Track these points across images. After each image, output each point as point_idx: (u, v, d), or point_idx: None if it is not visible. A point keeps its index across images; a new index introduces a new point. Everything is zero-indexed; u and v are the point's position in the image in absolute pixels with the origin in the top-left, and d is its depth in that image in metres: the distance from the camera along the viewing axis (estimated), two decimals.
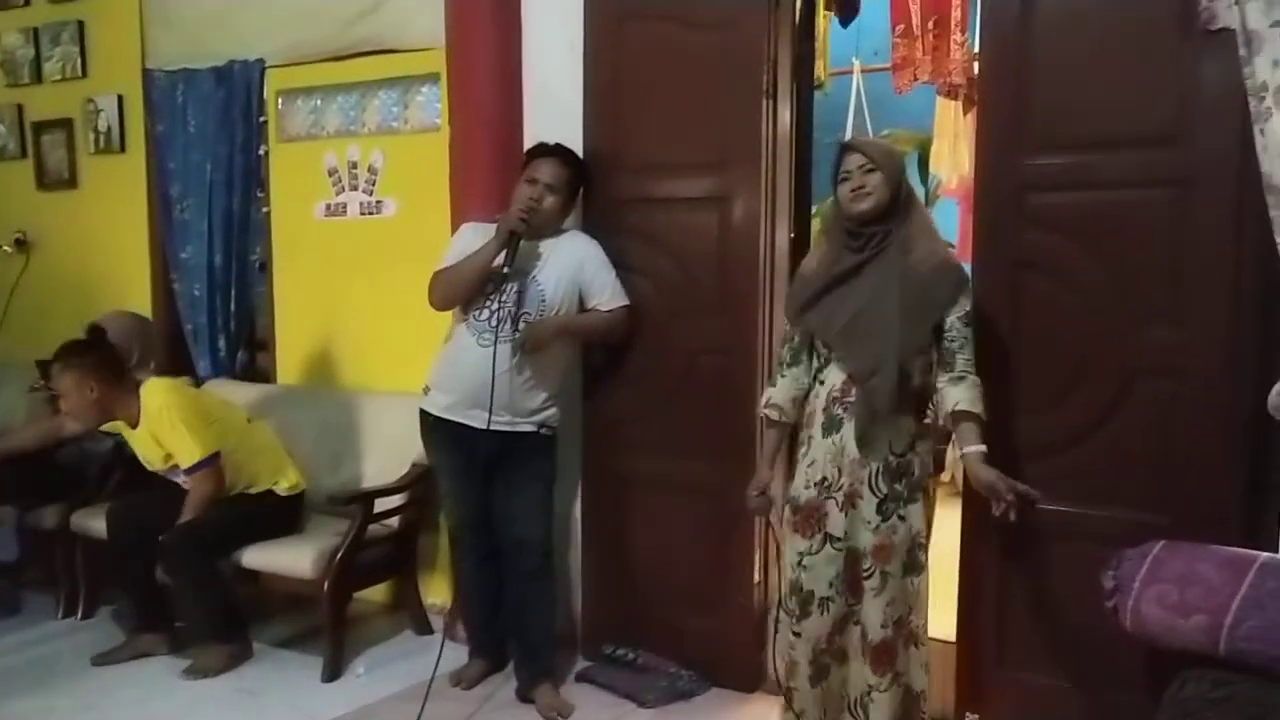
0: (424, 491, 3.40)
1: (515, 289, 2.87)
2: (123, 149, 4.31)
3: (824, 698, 2.51)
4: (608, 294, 2.97)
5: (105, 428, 3.34)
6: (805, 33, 3.30)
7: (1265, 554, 2.14)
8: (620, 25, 3.12)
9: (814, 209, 3.50)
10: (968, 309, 2.40)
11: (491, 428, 2.85)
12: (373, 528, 3.30)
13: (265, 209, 4.04)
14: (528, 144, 3.12)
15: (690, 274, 3.07)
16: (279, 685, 3.16)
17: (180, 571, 3.14)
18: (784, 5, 3.02)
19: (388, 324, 3.71)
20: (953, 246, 5.59)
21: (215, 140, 3.97)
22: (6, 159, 4.64)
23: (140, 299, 4.21)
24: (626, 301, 3.01)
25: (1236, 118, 2.23)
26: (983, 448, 2.33)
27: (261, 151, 3.99)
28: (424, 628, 3.56)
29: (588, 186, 3.11)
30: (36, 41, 4.47)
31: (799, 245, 3.17)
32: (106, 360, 3.20)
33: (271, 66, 3.89)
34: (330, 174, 3.85)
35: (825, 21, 4.39)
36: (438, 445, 3.03)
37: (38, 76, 4.50)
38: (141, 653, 3.34)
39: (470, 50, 3.30)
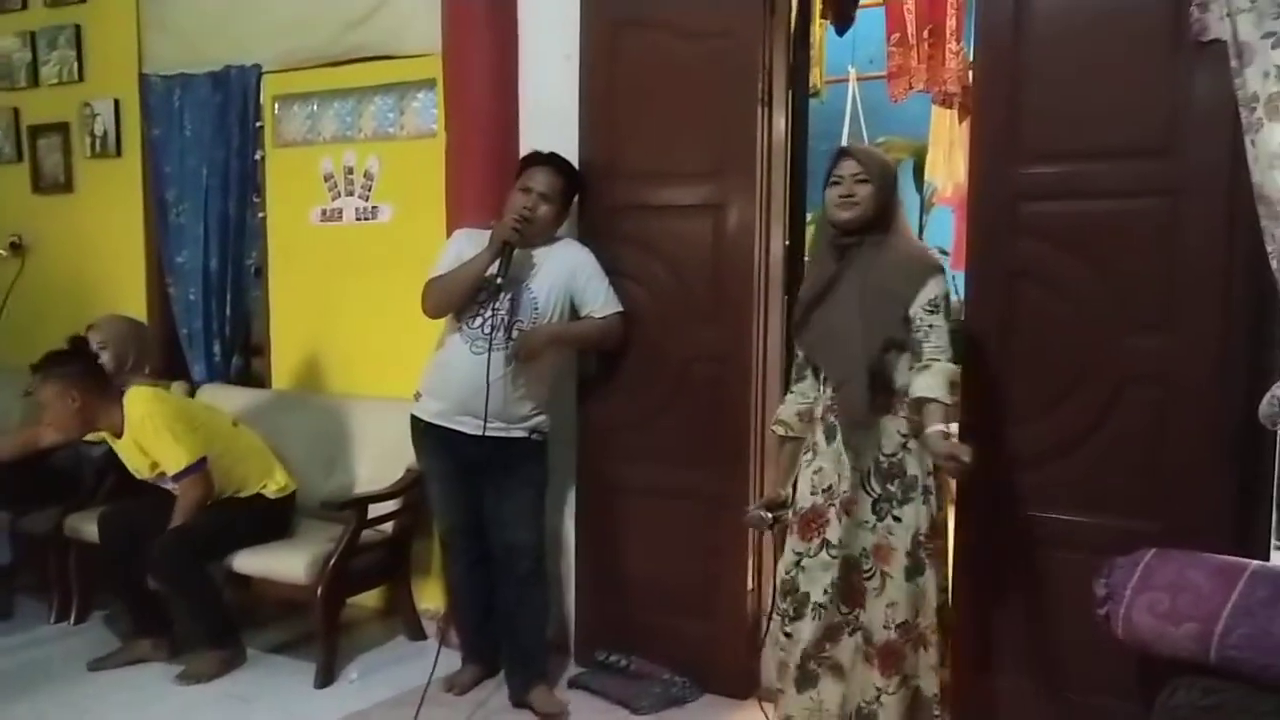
0: (417, 497, 3.40)
1: (509, 297, 2.87)
2: (119, 153, 4.31)
3: (814, 712, 2.47)
4: (600, 301, 2.98)
5: (90, 437, 3.33)
6: (801, 41, 3.31)
7: (1256, 562, 2.16)
8: (616, 33, 3.13)
9: (809, 217, 3.50)
10: (933, 297, 2.35)
11: (485, 434, 2.85)
12: (366, 533, 3.30)
13: (261, 214, 4.05)
14: (523, 151, 3.12)
15: (685, 282, 3.08)
16: (271, 691, 3.16)
17: (170, 578, 3.13)
18: (779, 14, 3.03)
19: (383, 330, 3.71)
20: (947, 254, 5.65)
21: (211, 145, 3.98)
22: (2, 163, 4.63)
23: (135, 303, 4.21)
24: (620, 309, 3.02)
25: (1228, 128, 2.24)
26: (942, 427, 2.26)
27: (257, 156, 3.99)
28: (417, 633, 3.56)
29: (582, 194, 3.12)
30: (33, 45, 4.47)
31: (794, 253, 3.19)
32: (88, 370, 3.20)
33: (268, 72, 3.90)
34: (326, 179, 3.86)
35: (821, 30, 4.41)
36: (429, 451, 3.03)
37: (34, 80, 4.50)
38: (137, 658, 3.33)
39: (466, 57, 3.31)
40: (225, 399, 3.83)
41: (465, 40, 3.32)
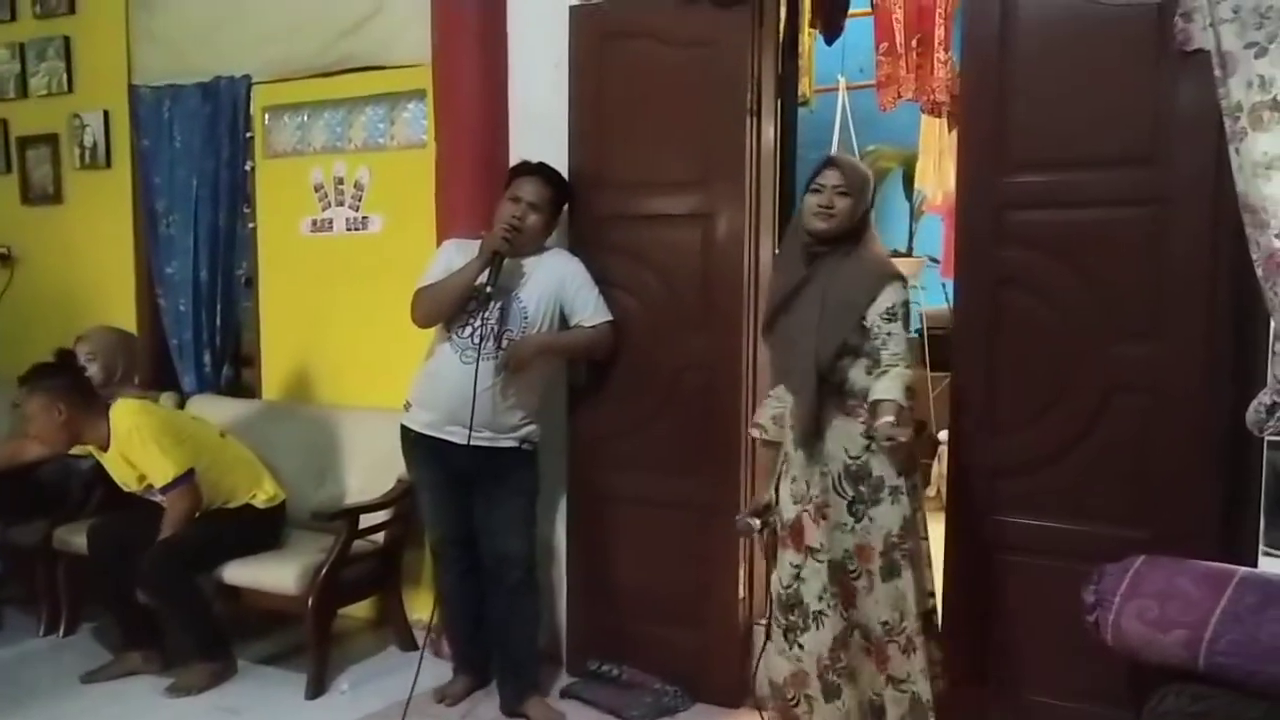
0: (408, 507, 3.39)
1: (498, 306, 2.87)
2: (108, 164, 4.30)
3: (845, 718, 2.46)
4: (590, 310, 2.98)
5: (76, 451, 3.32)
6: (789, 50, 3.34)
7: (1244, 568, 2.16)
8: (605, 43, 3.14)
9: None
10: (890, 304, 2.36)
11: (473, 444, 2.85)
12: (357, 544, 3.29)
13: (251, 225, 4.05)
14: (513, 161, 3.13)
15: (674, 290, 3.08)
16: (262, 703, 3.15)
17: (159, 590, 3.12)
18: (768, 23, 3.05)
19: (373, 340, 3.71)
20: (937, 262, 5.67)
21: (201, 156, 3.97)
22: None
23: (125, 314, 4.20)
24: (610, 318, 3.02)
25: (1212, 137, 2.26)
26: (890, 419, 2.26)
27: (247, 167, 4.00)
28: (408, 644, 3.55)
29: (571, 203, 3.12)
30: (22, 56, 4.46)
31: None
32: (75, 383, 3.19)
33: (258, 82, 3.90)
34: (316, 190, 3.86)
35: (810, 39, 4.42)
36: (419, 461, 3.03)
37: (23, 91, 4.49)
38: (129, 671, 3.31)
39: (456, 67, 3.32)
40: (215, 410, 3.82)
41: (455, 50, 3.32)
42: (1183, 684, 2.06)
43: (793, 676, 2.51)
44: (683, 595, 3.12)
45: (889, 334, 2.36)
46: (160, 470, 3.14)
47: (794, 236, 2.53)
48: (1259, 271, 2.10)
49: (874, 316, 2.37)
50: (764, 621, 2.77)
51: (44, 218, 4.50)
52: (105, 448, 3.20)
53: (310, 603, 3.14)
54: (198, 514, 3.21)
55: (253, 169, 4.00)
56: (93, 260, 4.36)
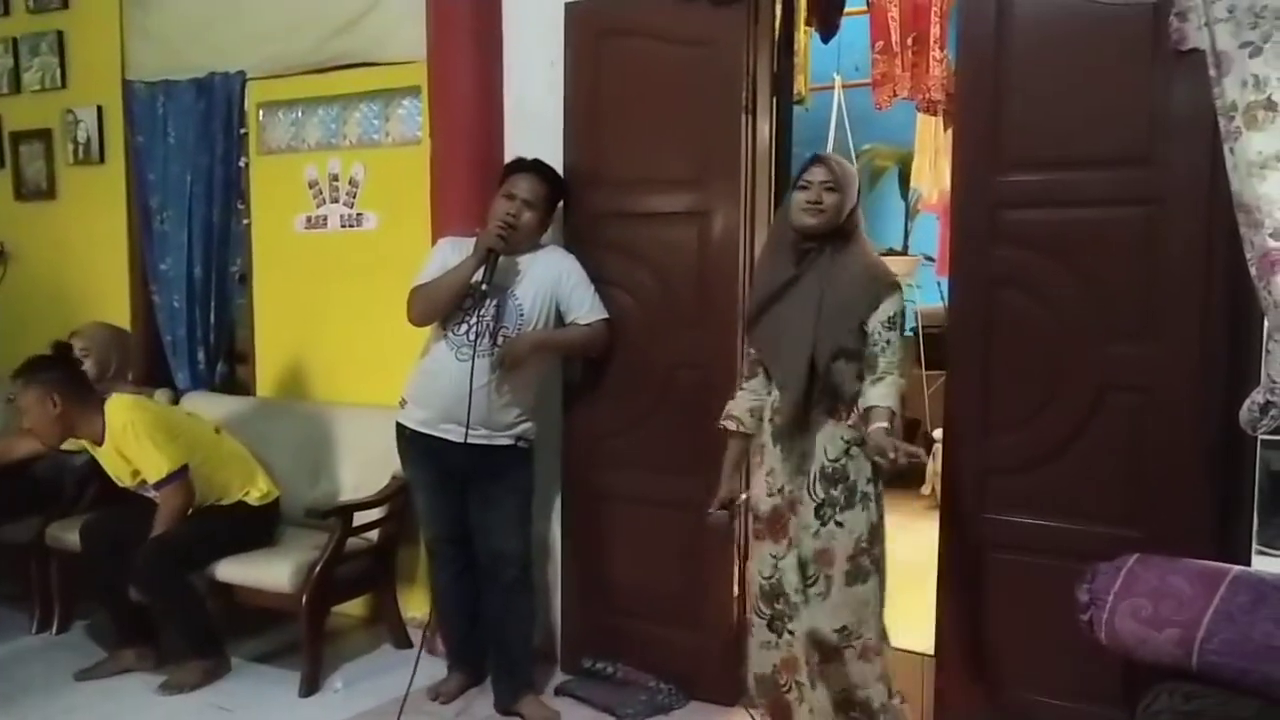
0: (403, 505, 3.39)
1: (494, 304, 2.87)
2: (102, 160, 4.29)
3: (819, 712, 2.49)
4: (586, 308, 2.98)
5: (69, 446, 3.31)
6: (785, 48, 3.32)
7: (1238, 567, 2.17)
8: (600, 41, 3.13)
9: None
10: (892, 314, 2.38)
11: (469, 441, 2.84)
12: (351, 541, 3.29)
13: (245, 221, 4.04)
14: (508, 158, 3.12)
15: (670, 288, 3.08)
16: (255, 700, 3.14)
17: (152, 587, 3.12)
18: (763, 21, 3.04)
19: (367, 337, 3.71)
20: (933, 261, 5.68)
21: (195, 152, 3.96)
22: None
23: (119, 311, 4.19)
24: (605, 315, 3.02)
25: (1207, 137, 2.26)
26: (885, 424, 2.30)
27: (242, 163, 3.99)
28: (403, 641, 3.55)
29: (566, 201, 3.12)
30: (15, 52, 4.46)
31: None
32: (71, 377, 3.18)
33: (252, 79, 3.89)
34: (311, 186, 3.85)
35: (805, 37, 4.43)
36: (414, 459, 3.02)
37: (16, 87, 4.48)
38: (122, 668, 3.31)
39: (451, 64, 3.31)
40: (209, 407, 3.81)
41: (450, 47, 3.32)
42: (1176, 683, 2.06)
43: (783, 663, 2.51)
44: (678, 593, 3.12)
45: (888, 342, 2.38)
46: (154, 466, 3.13)
47: (780, 233, 2.53)
48: (1253, 271, 2.10)
49: (875, 324, 2.38)
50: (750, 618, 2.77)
51: (37, 214, 4.49)
52: (100, 442, 3.19)
53: (304, 600, 3.13)
54: (191, 510, 3.20)
55: (247, 165, 3.99)
56: (87, 256, 4.35)
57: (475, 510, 2.97)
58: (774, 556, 2.47)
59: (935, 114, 5.09)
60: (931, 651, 2.79)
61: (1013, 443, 2.62)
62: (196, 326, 4.06)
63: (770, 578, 2.48)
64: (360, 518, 3.32)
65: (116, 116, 4.22)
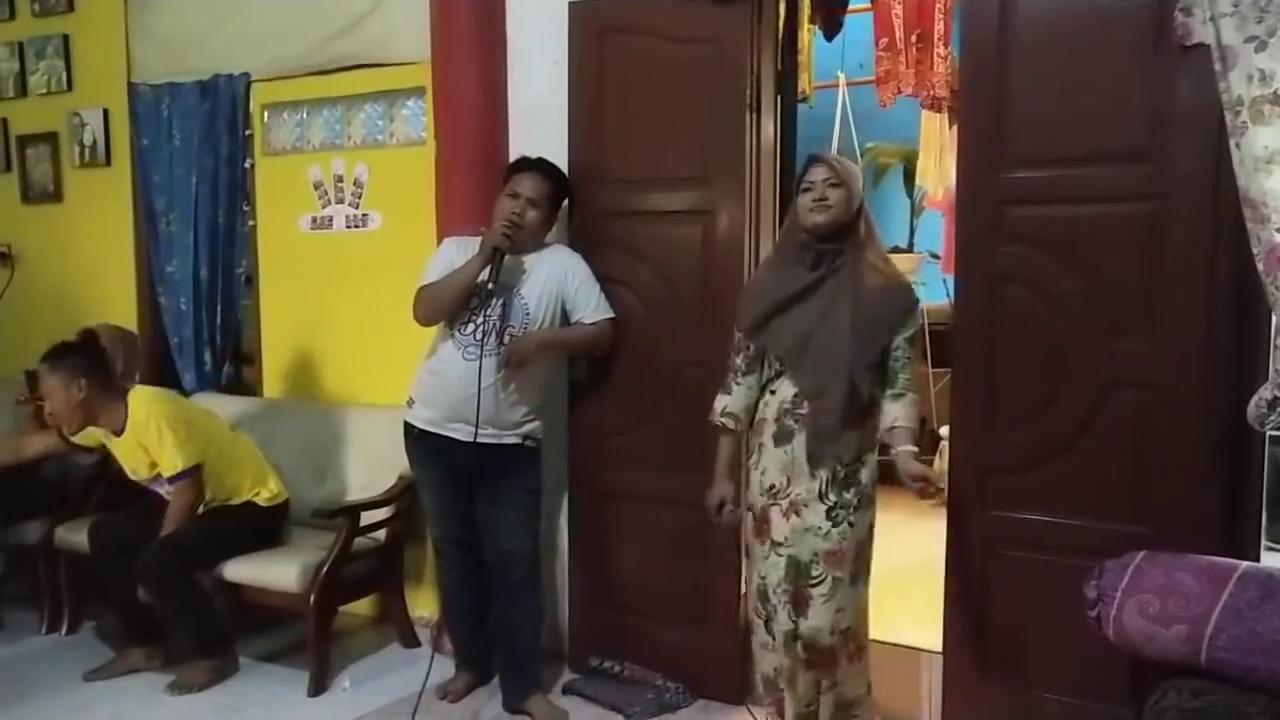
0: (410, 504, 3.40)
1: (500, 303, 2.87)
2: (108, 162, 4.30)
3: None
4: (591, 307, 2.98)
5: (81, 440, 3.32)
6: (789, 46, 3.33)
7: (1246, 563, 2.16)
8: (604, 40, 3.13)
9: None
10: (914, 331, 2.47)
11: (477, 440, 2.85)
12: (359, 541, 3.29)
13: (251, 222, 4.05)
14: (512, 158, 3.12)
15: (674, 287, 3.08)
16: (263, 700, 3.15)
17: (160, 587, 3.13)
18: (767, 19, 3.04)
19: (373, 337, 3.71)
20: (938, 258, 5.67)
21: (200, 154, 3.97)
22: None
23: (125, 312, 4.20)
24: (610, 314, 3.02)
25: (1212, 132, 2.25)
26: (914, 448, 2.39)
27: (247, 165, 4.00)
28: (410, 641, 3.56)
29: (571, 199, 3.12)
30: (21, 55, 4.47)
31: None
32: (96, 363, 3.20)
33: (257, 80, 3.90)
34: (316, 187, 3.86)
35: (809, 35, 4.42)
36: (421, 458, 3.03)
37: (23, 90, 4.50)
38: (131, 668, 3.32)
39: (455, 64, 3.32)
40: (216, 407, 3.80)
41: (454, 47, 3.32)
42: (1184, 679, 2.05)
43: (779, 669, 2.53)
44: (684, 592, 3.12)
45: (908, 358, 2.44)
46: (170, 460, 3.14)
47: (790, 238, 2.52)
48: (1260, 266, 2.09)
49: (900, 340, 2.44)
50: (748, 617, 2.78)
51: (44, 216, 4.50)
52: (119, 433, 3.20)
53: (312, 600, 3.14)
54: (200, 508, 3.21)
55: (252, 166, 4.00)
56: (93, 258, 4.36)
57: (483, 509, 2.98)
58: (763, 557, 2.50)
59: (940, 111, 5.08)
60: (939, 649, 2.79)
61: (1019, 440, 2.61)
62: (203, 328, 4.07)
63: (764, 577, 2.50)
64: (367, 517, 3.32)
65: (122, 119, 4.23)
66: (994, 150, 2.60)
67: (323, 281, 3.85)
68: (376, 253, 3.71)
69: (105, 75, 4.24)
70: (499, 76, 3.33)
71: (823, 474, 2.41)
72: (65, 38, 4.36)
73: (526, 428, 2.98)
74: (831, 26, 3.95)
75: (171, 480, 3.17)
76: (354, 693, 3.21)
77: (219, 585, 3.27)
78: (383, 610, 3.67)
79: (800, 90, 4.10)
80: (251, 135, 3.97)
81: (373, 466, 3.51)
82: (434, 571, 3.41)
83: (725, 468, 2.62)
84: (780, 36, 3.18)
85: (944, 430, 3.96)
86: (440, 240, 3.15)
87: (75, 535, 3.44)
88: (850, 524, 2.43)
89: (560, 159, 3.10)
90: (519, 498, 2.98)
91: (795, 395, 2.45)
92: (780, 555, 2.45)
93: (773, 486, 2.46)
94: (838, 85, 5.55)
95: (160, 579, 3.11)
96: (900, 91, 4.70)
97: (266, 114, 3.96)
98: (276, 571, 3.18)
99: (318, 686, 3.19)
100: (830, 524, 2.41)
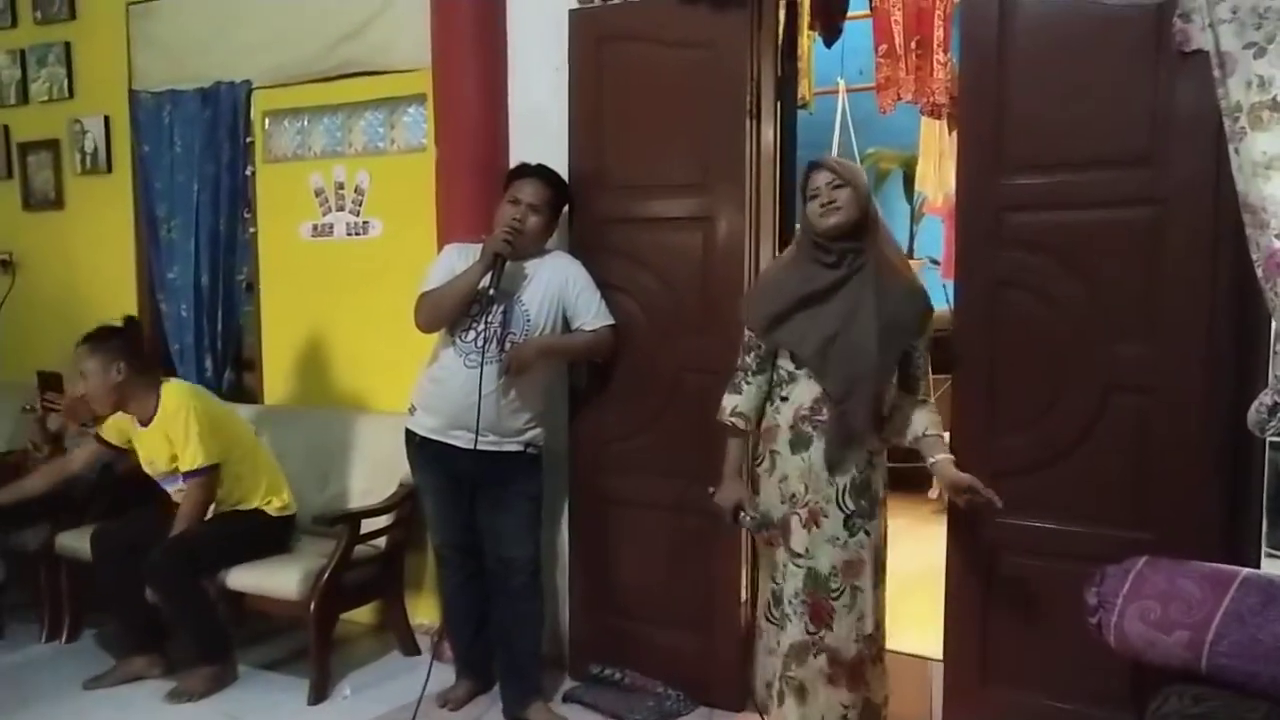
0: (411, 511, 3.40)
1: (501, 309, 2.87)
2: (109, 169, 4.31)
3: None
4: (592, 313, 2.98)
5: (113, 439, 3.34)
6: (788, 53, 3.33)
7: (1247, 569, 2.16)
8: (604, 46, 3.14)
9: (798, 228, 3.51)
10: (930, 337, 2.50)
11: (478, 448, 2.85)
12: (359, 548, 3.29)
13: (252, 229, 4.05)
14: (513, 164, 3.13)
15: (675, 293, 3.08)
16: (264, 708, 3.15)
17: (167, 587, 3.12)
18: (767, 26, 3.05)
19: (374, 344, 3.72)
20: (938, 263, 5.68)
21: (201, 161, 3.98)
22: None
23: None
24: (611, 321, 3.02)
25: (1211, 138, 2.26)
26: (951, 456, 2.45)
27: (248, 172, 4.00)
28: (411, 648, 3.55)
29: (571, 206, 3.12)
30: (23, 63, 4.48)
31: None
32: (135, 349, 3.23)
33: (258, 88, 3.91)
34: (317, 194, 3.87)
35: (809, 41, 4.42)
36: (423, 465, 3.03)
37: (24, 97, 4.51)
38: (133, 676, 3.31)
39: (456, 71, 3.32)
40: None
41: (454, 54, 3.33)
42: (1185, 685, 2.06)
43: (772, 683, 2.54)
44: (685, 598, 3.12)
45: (926, 365, 2.48)
46: (191, 454, 3.16)
47: (803, 243, 2.51)
48: (1259, 272, 2.09)
49: (921, 345, 2.47)
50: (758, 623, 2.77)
51: (45, 223, 4.51)
52: (146, 422, 3.23)
53: (312, 607, 3.13)
54: (212, 509, 3.23)
55: (253, 174, 4.01)
56: (94, 265, 4.37)
57: (484, 516, 2.98)
58: (782, 564, 2.49)
59: (939, 117, 5.08)
60: (940, 655, 2.78)
61: (1019, 445, 2.61)
62: (204, 334, 4.08)
63: (779, 584, 2.49)
64: (368, 525, 3.32)
65: (123, 126, 4.24)
66: (994, 155, 2.60)
67: (324, 288, 3.86)
68: (377, 259, 3.72)
69: (107, 82, 4.25)
70: (499, 83, 3.34)
71: (841, 481, 2.41)
72: (67, 45, 4.37)
73: (528, 435, 2.98)
74: (831, 33, 3.95)
75: (188, 475, 3.18)
76: (354, 700, 3.20)
77: (221, 592, 3.27)
78: (383, 618, 3.66)
79: (800, 96, 4.11)
80: (252, 142, 3.98)
81: (373, 473, 3.51)
82: (434, 579, 3.41)
83: (735, 469, 2.61)
84: (780, 42, 3.19)
85: (945, 436, 3.96)
86: (441, 247, 3.16)
87: (76, 542, 3.44)
88: (866, 532, 2.44)
89: (560, 165, 3.10)
90: (520, 505, 2.98)
91: (814, 400, 2.43)
92: (799, 566, 2.43)
93: (794, 495, 2.45)
94: (837, 91, 5.57)
95: (168, 580, 3.11)
96: (900, 98, 4.71)
97: (268, 121, 3.97)
98: (277, 578, 3.18)
99: (318, 694, 3.19)
100: (848, 533, 2.42)
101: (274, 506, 3.34)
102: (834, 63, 5.28)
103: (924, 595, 2.98)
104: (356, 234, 3.79)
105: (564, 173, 3.09)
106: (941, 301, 5.44)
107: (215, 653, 3.26)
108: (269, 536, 3.32)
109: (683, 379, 3.08)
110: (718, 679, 3.08)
